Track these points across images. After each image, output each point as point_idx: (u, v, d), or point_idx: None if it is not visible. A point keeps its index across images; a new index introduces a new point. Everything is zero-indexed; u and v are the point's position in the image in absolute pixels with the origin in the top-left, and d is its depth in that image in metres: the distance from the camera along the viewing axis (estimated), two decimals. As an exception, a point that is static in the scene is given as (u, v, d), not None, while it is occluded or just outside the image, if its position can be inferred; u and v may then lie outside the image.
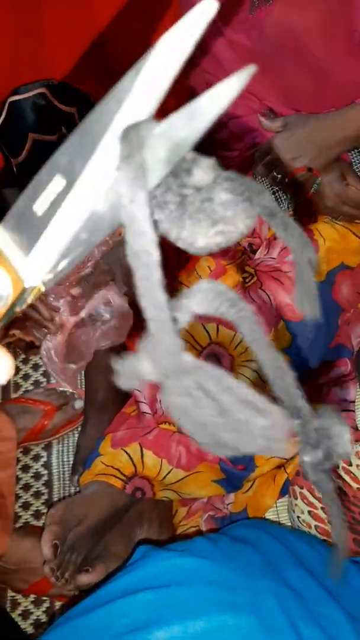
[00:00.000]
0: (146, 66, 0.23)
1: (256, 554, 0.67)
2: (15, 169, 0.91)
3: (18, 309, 0.26)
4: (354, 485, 0.93)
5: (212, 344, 1.01)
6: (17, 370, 1.27)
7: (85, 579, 0.84)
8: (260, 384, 0.98)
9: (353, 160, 1.04)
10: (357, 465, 0.94)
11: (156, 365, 0.24)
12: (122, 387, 0.26)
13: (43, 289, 0.25)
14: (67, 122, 0.91)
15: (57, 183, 0.24)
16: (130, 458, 0.92)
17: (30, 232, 0.24)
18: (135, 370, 0.25)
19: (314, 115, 1.02)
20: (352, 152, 1.03)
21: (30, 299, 0.26)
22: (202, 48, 1.10)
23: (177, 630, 0.52)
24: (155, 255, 0.22)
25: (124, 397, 1.09)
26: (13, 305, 0.25)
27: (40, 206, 0.24)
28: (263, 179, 1.08)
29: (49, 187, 0.24)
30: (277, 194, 1.08)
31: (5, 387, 1.25)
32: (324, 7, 0.95)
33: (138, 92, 0.23)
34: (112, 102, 0.23)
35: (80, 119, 0.96)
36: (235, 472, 0.96)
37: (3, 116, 0.87)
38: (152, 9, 0.98)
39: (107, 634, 0.53)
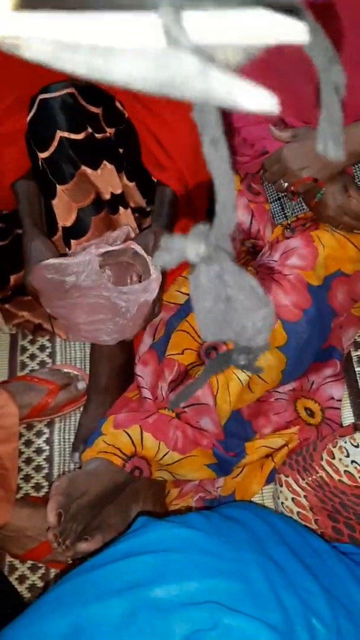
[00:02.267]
0: None
1: (244, 531, 0.74)
2: (40, 163, 0.96)
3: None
4: (335, 477, 1.00)
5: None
6: (24, 350, 1.33)
7: (84, 546, 0.91)
8: (255, 377, 1.05)
9: (356, 174, 1.10)
10: (340, 459, 1.01)
11: (208, 245, 0.27)
12: (162, 263, 0.28)
13: None
14: (93, 121, 0.96)
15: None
16: (131, 439, 0.99)
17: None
18: (182, 248, 0.27)
19: None
20: (355, 166, 1.10)
21: None
22: None
23: (174, 589, 0.59)
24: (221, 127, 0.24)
25: (126, 382, 1.16)
26: None
27: None
28: (270, 185, 1.14)
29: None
30: (282, 200, 1.15)
31: (12, 366, 1.31)
32: (336, 24, 1.01)
33: None
34: None
35: (105, 120, 1.01)
36: (227, 457, 1.03)
37: (33, 112, 0.93)
38: None
39: (112, 589, 0.61)
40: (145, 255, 0.98)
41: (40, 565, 1.12)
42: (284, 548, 0.73)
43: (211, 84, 0.21)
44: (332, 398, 1.17)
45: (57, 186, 0.97)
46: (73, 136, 0.93)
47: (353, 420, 1.20)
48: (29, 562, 1.12)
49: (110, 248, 0.96)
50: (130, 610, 0.58)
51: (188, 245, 0.28)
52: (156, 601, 0.59)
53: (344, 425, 1.17)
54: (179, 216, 1.11)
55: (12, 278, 1.23)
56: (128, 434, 1.00)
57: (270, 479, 1.10)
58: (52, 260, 0.94)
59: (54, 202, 0.99)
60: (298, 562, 0.71)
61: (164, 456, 0.99)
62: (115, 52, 0.22)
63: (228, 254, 0.28)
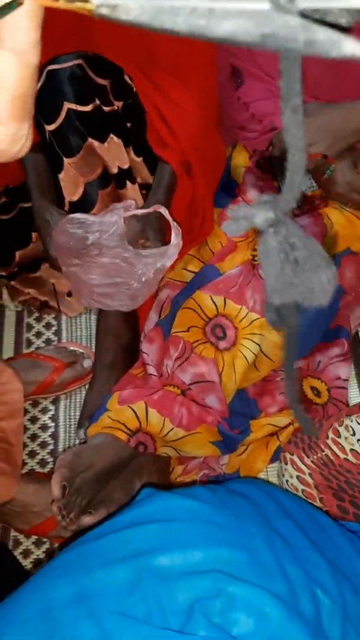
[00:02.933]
0: None
1: (249, 504, 0.74)
2: (47, 135, 0.96)
3: None
4: (341, 455, 1.00)
5: (218, 316, 1.07)
6: (30, 327, 1.33)
7: (87, 519, 0.92)
8: (261, 356, 1.04)
9: None
10: (345, 438, 1.01)
11: (276, 210, 0.29)
12: (229, 232, 0.30)
13: None
14: (100, 94, 0.95)
15: None
16: (136, 414, 0.99)
17: None
18: (250, 216, 0.29)
19: (331, 104, 1.07)
20: None
21: None
22: None
23: (178, 557, 0.59)
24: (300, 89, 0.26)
25: (131, 359, 1.15)
26: None
27: None
28: (279, 162, 1.13)
29: None
30: None
31: (18, 343, 1.31)
32: None
33: None
34: None
35: (113, 93, 1.00)
36: (232, 435, 1.03)
37: (41, 83, 0.92)
38: None
39: (116, 557, 0.61)
40: (171, 219, 0.98)
41: (44, 540, 1.12)
42: (289, 522, 0.73)
43: (316, 36, 0.23)
44: (339, 378, 1.16)
45: (64, 159, 0.96)
46: (80, 108, 0.92)
47: None
48: (34, 537, 1.12)
49: (139, 211, 0.96)
50: (134, 578, 0.58)
51: (256, 213, 0.29)
52: (160, 569, 0.59)
53: (351, 404, 1.16)
54: (175, 194, 1.10)
55: (18, 254, 1.23)
56: (133, 409, 1.00)
57: (275, 457, 1.10)
58: (79, 215, 0.94)
59: (61, 175, 0.98)
60: (303, 536, 0.70)
61: (168, 432, 0.99)
62: (218, 13, 0.23)
63: (291, 222, 0.30)
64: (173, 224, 0.98)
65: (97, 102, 0.94)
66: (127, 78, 1.02)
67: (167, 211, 0.99)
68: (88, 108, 0.93)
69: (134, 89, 1.03)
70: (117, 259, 0.97)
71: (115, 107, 0.99)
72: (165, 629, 0.53)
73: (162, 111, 1.03)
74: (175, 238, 0.98)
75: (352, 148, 1.07)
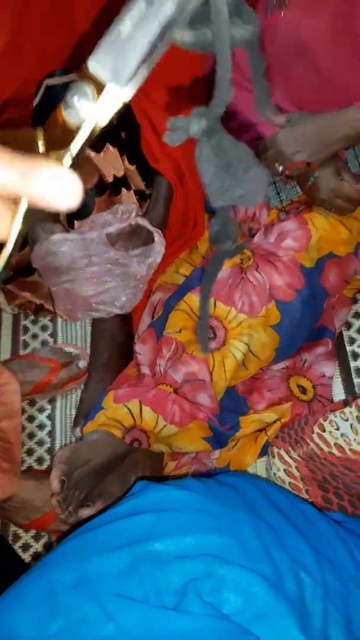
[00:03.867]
0: None
1: (238, 495, 0.79)
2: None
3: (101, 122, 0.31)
4: (326, 449, 1.05)
5: (209, 317, 1.12)
6: (26, 329, 1.37)
7: (86, 512, 0.96)
8: (250, 355, 1.09)
9: (348, 158, 1.14)
10: (330, 432, 1.06)
11: (208, 118, 0.32)
12: (170, 142, 0.33)
13: (128, 96, 0.30)
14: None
15: (140, 5, 0.28)
16: (130, 412, 1.04)
17: (117, 53, 0.28)
18: (185, 126, 0.32)
19: (316, 114, 1.12)
20: (347, 151, 1.13)
21: (114, 106, 0.30)
22: None
23: (171, 543, 0.64)
24: (228, 26, 0.29)
25: (126, 359, 1.20)
26: (101, 114, 0.30)
27: (125, 27, 0.28)
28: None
29: (134, 8, 0.28)
30: (277, 184, 1.19)
31: (15, 345, 1.36)
32: (332, 16, 1.04)
33: None
34: None
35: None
36: (222, 430, 1.08)
37: (39, 97, 0.96)
38: None
39: (114, 545, 0.65)
40: (149, 226, 1.02)
41: (43, 534, 1.17)
42: (275, 511, 0.78)
43: None
44: (324, 375, 1.22)
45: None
46: None
47: (344, 397, 1.25)
48: (33, 531, 1.17)
49: (115, 227, 1.00)
50: (131, 563, 0.63)
51: (191, 122, 0.33)
52: (155, 554, 0.64)
53: (335, 401, 1.21)
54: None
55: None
56: (128, 407, 1.04)
57: (263, 452, 1.15)
58: (58, 236, 0.98)
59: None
60: (288, 523, 0.76)
61: (162, 429, 1.04)
62: None
63: (223, 129, 0.33)
64: (152, 228, 1.03)
65: (92, 115, 0.98)
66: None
67: (144, 219, 1.03)
68: (83, 121, 0.97)
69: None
70: (108, 264, 1.02)
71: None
72: (162, 607, 0.58)
73: (154, 121, 1.08)
74: (159, 237, 1.04)
75: (335, 156, 1.12)
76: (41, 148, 0.30)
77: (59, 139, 0.30)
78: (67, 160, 0.30)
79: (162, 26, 0.28)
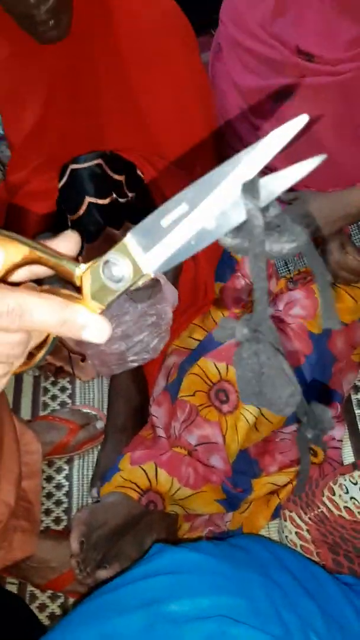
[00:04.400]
0: (255, 149, 0.35)
1: (249, 557, 0.82)
2: (70, 223, 1.09)
3: (131, 289, 0.36)
4: (336, 512, 1.07)
5: (221, 381, 1.17)
6: (46, 391, 1.43)
7: (103, 573, 0.99)
8: (261, 418, 1.14)
9: (352, 233, 1.21)
10: (340, 495, 1.09)
11: (249, 328, 0.36)
12: (217, 338, 0.37)
13: (152, 276, 0.36)
14: (117, 188, 1.09)
15: (182, 208, 0.34)
16: (146, 474, 1.08)
17: (154, 237, 0.34)
18: (233, 330, 0.36)
19: (322, 193, 1.21)
20: (352, 227, 1.21)
21: (141, 282, 0.36)
22: (231, 126, 1.29)
23: (187, 604, 0.67)
24: (263, 250, 0.34)
25: (141, 421, 1.25)
26: (130, 285, 0.36)
27: (166, 221, 0.34)
28: None
29: (175, 210, 0.34)
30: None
31: (35, 406, 1.41)
32: (335, 106, 1.14)
33: (248, 163, 0.35)
34: (228, 166, 0.34)
35: (128, 186, 1.14)
36: (235, 493, 1.11)
37: (64, 180, 1.05)
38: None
39: (132, 605, 0.69)
40: (161, 278, 1.12)
41: (59, 594, 1.19)
42: (285, 572, 0.81)
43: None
44: (334, 438, 1.25)
45: (84, 244, 1.08)
46: (100, 201, 1.05)
47: (353, 460, 1.28)
48: (49, 592, 1.19)
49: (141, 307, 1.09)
50: (149, 623, 0.66)
51: (237, 327, 0.37)
52: (171, 614, 0.67)
53: (345, 464, 1.24)
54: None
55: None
56: (144, 469, 1.08)
57: (275, 514, 1.17)
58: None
59: (80, 258, 1.10)
60: (298, 585, 0.78)
61: (177, 491, 1.08)
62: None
63: (271, 339, 0.37)
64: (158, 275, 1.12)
65: (114, 195, 1.07)
66: (139, 172, 1.15)
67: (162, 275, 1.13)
68: (106, 201, 1.06)
69: (145, 181, 1.17)
70: (137, 321, 1.10)
71: (130, 198, 1.12)
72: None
73: (166, 193, 1.17)
74: (164, 280, 1.13)
75: (341, 231, 1.20)
76: (82, 288, 0.36)
77: (97, 286, 0.36)
78: (101, 307, 0.36)
79: (198, 233, 0.35)
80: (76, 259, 0.38)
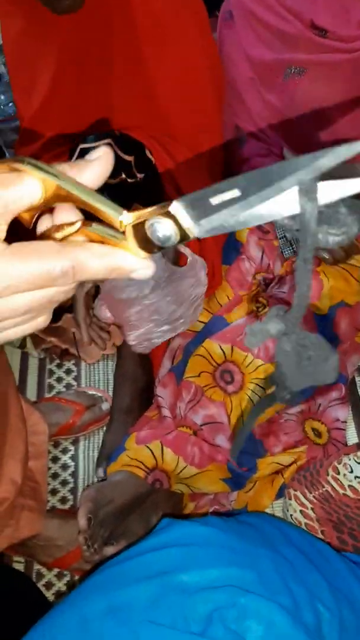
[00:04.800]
0: (319, 156, 0.34)
1: (257, 532, 0.83)
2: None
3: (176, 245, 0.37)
4: (340, 490, 1.09)
5: (226, 362, 1.18)
6: (52, 373, 1.44)
7: (110, 550, 1.01)
8: (265, 396, 1.14)
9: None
10: (344, 475, 1.10)
11: (287, 324, 0.38)
12: (250, 345, 0.39)
13: (193, 237, 0.36)
14: (126, 168, 1.09)
15: (233, 193, 0.35)
16: (152, 453, 1.09)
17: (203, 210, 0.35)
18: (264, 330, 0.38)
19: None
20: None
21: (184, 242, 0.37)
22: (238, 95, 1.29)
23: (196, 575, 0.68)
24: (312, 256, 0.35)
25: (146, 403, 1.26)
26: (174, 246, 0.37)
27: (215, 200, 0.35)
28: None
29: (227, 193, 0.35)
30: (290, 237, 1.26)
31: (41, 388, 1.42)
32: (344, 85, 1.14)
33: (310, 167, 0.34)
34: (288, 165, 0.34)
35: (137, 167, 1.14)
36: (240, 472, 1.12)
37: (74, 159, 1.05)
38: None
39: (143, 575, 0.70)
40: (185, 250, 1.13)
41: (65, 572, 1.20)
42: (293, 548, 0.82)
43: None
44: (338, 419, 1.26)
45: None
46: (108, 181, 1.05)
47: (357, 440, 1.29)
48: (55, 570, 1.20)
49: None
50: (159, 592, 0.67)
51: (269, 327, 0.39)
52: (182, 585, 0.68)
53: (349, 444, 1.25)
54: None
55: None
56: (150, 449, 1.09)
57: (280, 494, 1.18)
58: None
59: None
60: (305, 559, 0.79)
61: (182, 470, 1.09)
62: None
63: (299, 325, 0.39)
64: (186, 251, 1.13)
65: (123, 175, 1.07)
66: (148, 153, 1.15)
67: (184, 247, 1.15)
68: (115, 181, 1.06)
69: (154, 162, 1.17)
70: (182, 284, 1.12)
71: (138, 179, 1.12)
72: (190, 633, 0.62)
73: (180, 183, 1.17)
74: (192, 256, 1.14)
75: None
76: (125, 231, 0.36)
77: (141, 238, 0.36)
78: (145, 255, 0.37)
79: (249, 215, 0.35)
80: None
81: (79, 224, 0.36)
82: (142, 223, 0.36)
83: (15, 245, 0.33)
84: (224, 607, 0.65)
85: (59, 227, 0.37)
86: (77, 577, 1.19)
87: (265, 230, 1.30)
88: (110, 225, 0.36)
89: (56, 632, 0.66)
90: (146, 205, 1.21)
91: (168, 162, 1.16)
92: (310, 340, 0.39)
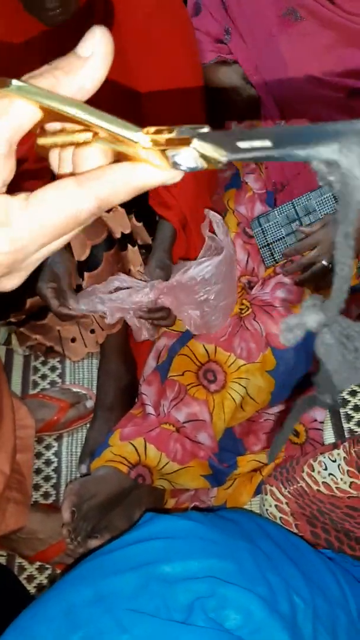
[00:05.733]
0: None
1: (236, 526, 0.87)
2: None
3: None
4: (314, 487, 1.12)
5: (210, 361, 1.21)
6: (36, 370, 1.46)
7: (93, 543, 1.03)
8: (247, 398, 1.18)
9: None
10: (318, 472, 1.13)
11: (326, 314, 0.33)
12: (287, 343, 0.34)
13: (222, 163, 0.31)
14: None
15: (264, 143, 0.31)
16: (136, 449, 1.12)
17: (227, 147, 0.30)
18: (302, 323, 0.34)
19: None
20: None
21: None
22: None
23: (178, 566, 0.71)
24: (356, 219, 0.31)
25: (129, 401, 1.29)
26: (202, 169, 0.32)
27: (243, 145, 0.31)
28: (259, 232, 1.28)
29: (256, 141, 0.30)
30: (271, 246, 1.28)
31: (25, 384, 1.44)
32: (326, 50, 1.15)
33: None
34: (328, 126, 0.29)
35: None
36: (221, 468, 1.16)
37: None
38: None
39: (126, 566, 0.72)
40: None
41: (47, 566, 1.22)
42: (269, 541, 0.86)
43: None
44: (315, 420, 1.30)
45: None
46: None
47: (333, 441, 1.33)
48: (37, 564, 1.22)
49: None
50: (142, 582, 0.70)
51: (307, 319, 0.35)
52: (164, 575, 0.71)
53: (326, 444, 1.29)
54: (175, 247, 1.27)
55: (29, 301, 1.36)
56: (133, 445, 1.12)
57: (258, 491, 1.22)
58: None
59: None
60: (281, 552, 0.83)
61: (164, 466, 1.12)
62: None
63: (343, 317, 0.35)
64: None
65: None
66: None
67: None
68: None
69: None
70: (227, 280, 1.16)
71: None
72: (172, 620, 0.65)
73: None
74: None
75: None
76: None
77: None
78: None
79: (281, 156, 0.31)
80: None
81: (89, 136, 0.31)
82: (163, 152, 0.31)
83: (34, 199, 0.30)
84: (204, 597, 0.68)
85: (68, 143, 0.32)
86: (58, 571, 1.21)
87: (250, 234, 1.33)
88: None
89: (41, 621, 0.68)
90: (128, 207, 1.23)
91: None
92: (356, 330, 0.34)
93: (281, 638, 0.66)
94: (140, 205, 1.24)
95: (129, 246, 1.22)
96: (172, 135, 0.30)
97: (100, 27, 0.30)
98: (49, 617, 0.69)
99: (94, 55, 0.30)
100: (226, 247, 1.18)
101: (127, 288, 1.15)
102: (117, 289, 1.15)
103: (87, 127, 0.31)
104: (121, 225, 1.20)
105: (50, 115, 0.30)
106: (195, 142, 0.31)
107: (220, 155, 0.31)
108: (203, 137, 0.31)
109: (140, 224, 1.26)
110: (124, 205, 1.18)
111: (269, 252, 1.27)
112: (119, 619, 0.66)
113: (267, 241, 1.27)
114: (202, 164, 0.31)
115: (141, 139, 0.30)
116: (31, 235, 0.30)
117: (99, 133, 0.31)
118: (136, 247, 1.24)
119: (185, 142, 0.31)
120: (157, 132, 0.31)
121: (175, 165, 0.31)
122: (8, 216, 0.29)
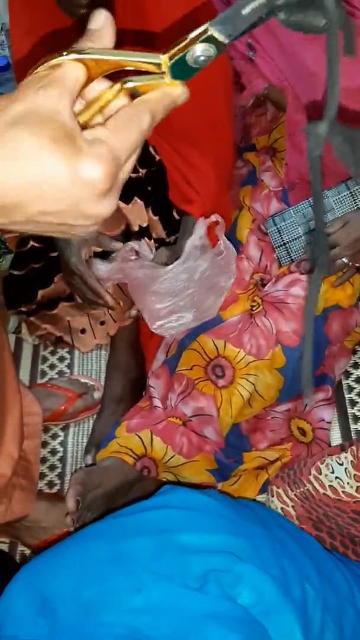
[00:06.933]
0: None
1: (251, 512, 0.87)
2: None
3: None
4: (321, 490, 1.11)
5: (219, 357, 1.21)
6: (45, 359, 1.46)
7: (97, 532, 1.03)
8: (255, 394, 1.18)
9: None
10: (325, 475, 1.13)
11: (326, 122, 0.38)
12: (312, 148, 0.39)
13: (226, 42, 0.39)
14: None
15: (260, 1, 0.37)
16: (142, 441, 1.12)
17: (237, 25, 0.37)
18: (322, 132, 0.38)
19: None
20: None
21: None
22: None
23: (194, 537, 0.72)
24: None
25: (137, 394, 1.29)
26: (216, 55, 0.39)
27: (245, 11, 0.37)
28: (274, 231, 1.27)
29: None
30: (287, 245, 1.28)
31: (33, 374, 1.44)
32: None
33: None
34: None
35: (139, 161, 1.16)
36: (227, 463, 1.15)
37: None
38: None
39: (143, 530, 0.73)
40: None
41: (49, 555, 1.22)
42: (283, 531, 0.86)
43: None
44: (323, 420, 1.29)
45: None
46: None
47: (341, 442, 1.32)
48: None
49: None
50: (159, 547, 0.71)
51: (314, 129, 0.39)
52: (181, 544, 0.72)
53: (333, 445, 1.29)
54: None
55: (40, 293, 1.36)
56: (139, 437, 1.12)
57: (263, 489, 1.21)
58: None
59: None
60: (294, 542, 0.83)
61: (170, 459, 1.11)
62: None
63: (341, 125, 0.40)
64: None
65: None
66: (151, 149, 1.18)
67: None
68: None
69: (157, 158, 1.19)
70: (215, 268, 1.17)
71: (140, 174, 1.15)
72: (186, 587, 0.66)
73: (185, 174, 1.19)
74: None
75: None
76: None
77: (180, 67, 0.39)
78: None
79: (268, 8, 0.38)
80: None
81: (118, 85, 0.40)
82: (182, 55, 0.38)
83: (114, 122, 0.38)
84: (220, 571, 0.68)
85: (101, 97, 0.40)
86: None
87: (264, 232, 1.33)
88: (145, 72, 0.39)
89: (57, 564, 0.69)
90: (146, 200, 1.23)
91: (175, 158, 1.19)
92: (355, 132, 0.39)
93: (291, 621, 0.66)
94: (158, 199, 1.24)
95: (145, 239, 1.22)
96: (185, 42, 0.38)
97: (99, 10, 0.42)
98: (65, 564, 0.70)
99: (104, 26, 0.41)
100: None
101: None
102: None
103: (121, 67, 0.39)
104: (139, 218, 1.20)
105: (93, 72, 0.39)
106: (208, 27, 0.38)
107: (225, 37, 0.38)
108: (212, 23, 0.38)
109: (156, 218, 1.26)
110: (142, 199, 1.18)
111: (286, 252, 1.26)
112: (134, 580, 0.67)
113: (283, 240, 1.26)
114: (215, 51, 0.38)
115: (163, 57, 0.39)
116: (123, 153, 0.38)
117: (129, 73, 0.40)
118: (152, 241, 1.24)
119: (199, 36, 0.38)
120: (172, 47, 0.39)
121: (196, 59, 0.38)
122: (96, 135, 0.37)
